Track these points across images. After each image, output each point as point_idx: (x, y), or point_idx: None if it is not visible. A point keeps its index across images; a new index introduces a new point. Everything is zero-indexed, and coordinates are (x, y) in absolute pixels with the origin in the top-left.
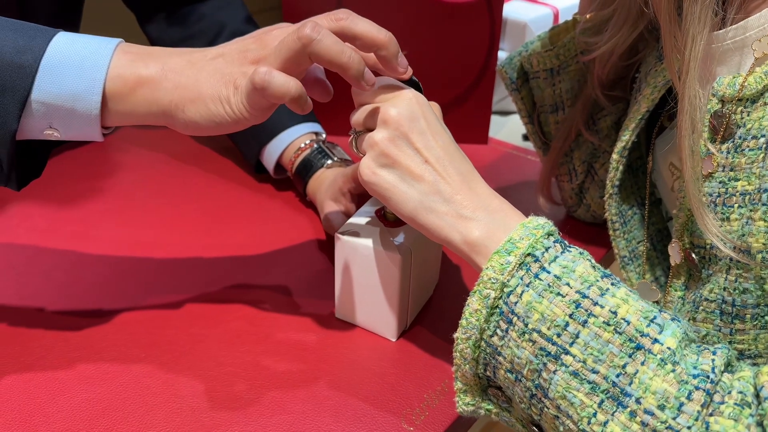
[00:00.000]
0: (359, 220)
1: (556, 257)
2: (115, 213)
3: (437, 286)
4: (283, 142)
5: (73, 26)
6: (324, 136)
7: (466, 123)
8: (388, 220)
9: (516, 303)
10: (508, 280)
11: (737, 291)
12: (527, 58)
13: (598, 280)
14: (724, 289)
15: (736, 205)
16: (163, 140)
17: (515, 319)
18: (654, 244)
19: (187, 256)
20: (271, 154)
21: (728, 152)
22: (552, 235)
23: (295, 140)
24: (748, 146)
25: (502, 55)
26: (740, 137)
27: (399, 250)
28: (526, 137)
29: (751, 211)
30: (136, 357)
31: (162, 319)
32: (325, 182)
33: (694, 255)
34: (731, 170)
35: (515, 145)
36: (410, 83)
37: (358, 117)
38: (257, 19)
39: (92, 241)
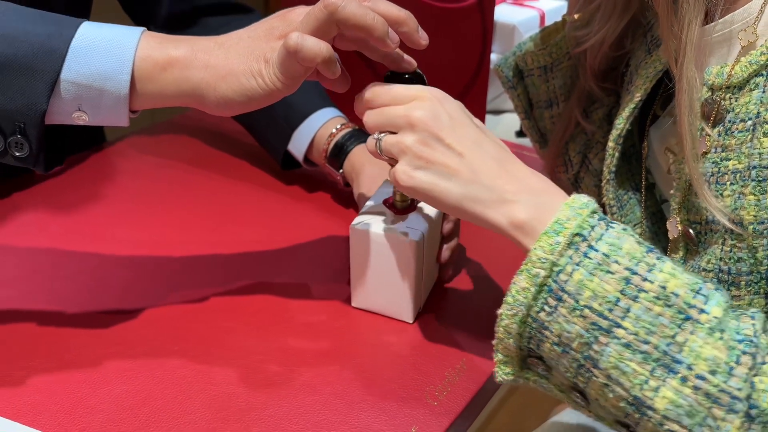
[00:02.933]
0: (370, 210)
1: (602, 235)
2: (130, 216)
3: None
4: (314, 123)
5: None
6: (351, 123)
7: None
8: (397, 208)
9: (566, 281)
10: (558, 260)
11: (732, 260)
12: (522, 57)
13: (644, 256)
14: (720, 259)
15: (728, 183)
16: (171, 145)
17: (565, 296)
18: (649, 225)
19: (205, 254)
20: (301, 138)
21: (719, 135)
22: (596, 213)
23: (326, 122)
24: (737, 128)
25: (493, 56)
26: (730, 121)
27: (413, 236)
28: (519, 134)
29: (742, 187)
30: (169, 350)
31: (188, 314)
32: (367, 166)
33: (691, 230)
34: (723, 151)
35: (510, 141)
36: (415, 76)
37: (375, 120)
38: None
39: (111, 244)
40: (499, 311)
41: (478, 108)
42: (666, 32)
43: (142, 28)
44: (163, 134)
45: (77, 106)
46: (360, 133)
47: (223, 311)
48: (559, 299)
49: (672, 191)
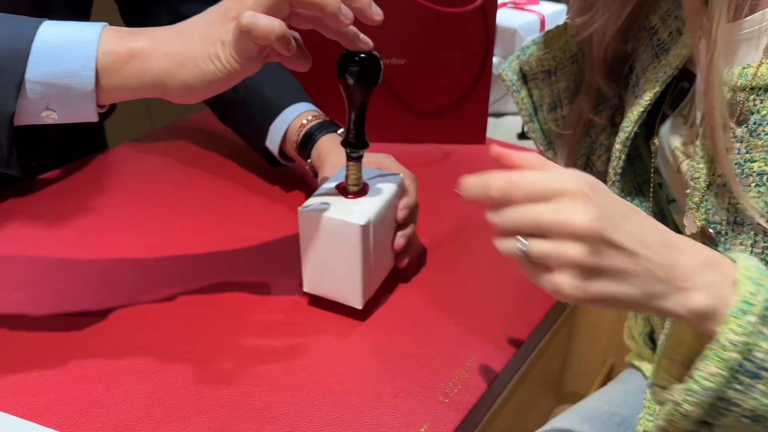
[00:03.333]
0: (322, 193)
1: None
2: (135, 219)
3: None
4: (288, 116)
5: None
6: (325, 116)
7: (465, 124)
8: (349, 192)
9: (764, 359)
10: (751, 339)
11: (765, 261)
12: (526, 61)
13: None
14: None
15: (753, 185)
16: (171, 149)
17: (764, 372)
18: None
19: (212, 254)
20: (276, 132)
21: (743, 136)
22: None
23: (298, 116)
24: (764, 131)
25: (494, 60)
26: (755, 123)
27: (358, 220)
28: (520, 136)
29: None
30: (181, 351)
31: (200, 314)
32: (332, 154)
33: (711, 230)
34: (747, 152)
35: (512, 143)
36: (371, 57)
37: (514, 224)
38: None
39: (117, 247)
40: (676, 397)
41: (480, 110)
42: (693, 26)
43: (103, 24)
44: (157, 141)
45: (45, 105)
46: (329, 124)
47: (233, 312)
48: (756, 376)
49: (688, 190)
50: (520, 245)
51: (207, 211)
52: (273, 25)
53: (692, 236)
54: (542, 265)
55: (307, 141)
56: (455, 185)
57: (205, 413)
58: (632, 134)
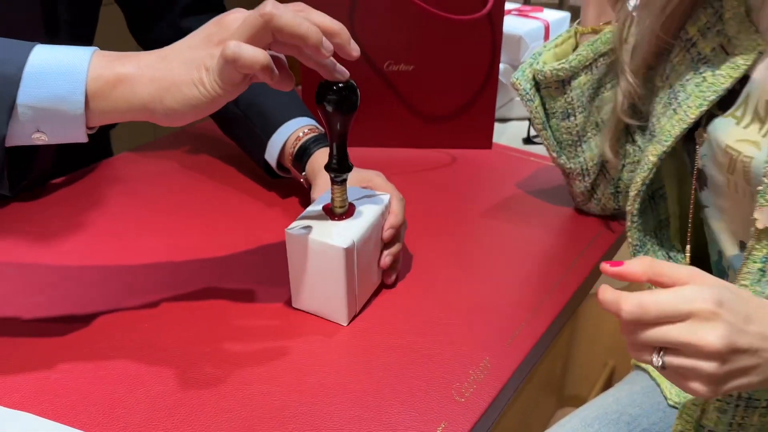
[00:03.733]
0: (309, 214)
1: None
2: (149, 222)
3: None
4: (286, 131)
5: (88, 42)
6: (321, 129)
7: (472, 130)
8: (335, 213)
9: None
10: None
11: None
12: (540, 71)
13: None
14: None
15: None
16: (171, 156)
17: None
18: (681, 223)
19: (234, 257)
20: (274, 145)
21: None
22: None
23: (296, 130)
24: None
25: (501, 66)
26: None
27: (342, 243)
28: (526, 141)
29: None
30: (201, 352)
31: (219, 315)
32: (321, 179)
33: None
34: None
35: (517, 148)
36: (348, 87)
37: (649, 341)
38: None
39: (129, 252)
40: None
41: (487, 116)
42: None
43: (93, 48)
44: (164, 147)
45: (35, 127)
46: (324, 137)
47: (250, 313)
48: None
49: (761, 187)
50: (656, 361)
51: (219, 214)
52: (257, 55)
53: (764, 230)
54: (678, 373)
55: (302, 154)
56: (462, 188)
57: (226, 413)
58: (670, 149)
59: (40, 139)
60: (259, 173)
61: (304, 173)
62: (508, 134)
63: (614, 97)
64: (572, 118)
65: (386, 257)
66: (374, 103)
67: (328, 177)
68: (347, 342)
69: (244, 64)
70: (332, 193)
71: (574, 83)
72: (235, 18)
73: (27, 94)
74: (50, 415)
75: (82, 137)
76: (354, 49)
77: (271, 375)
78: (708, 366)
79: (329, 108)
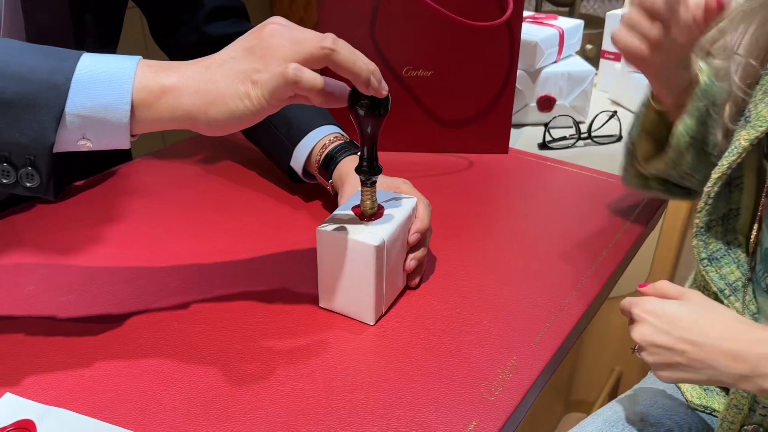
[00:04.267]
0: (339, 215)
1: None
2: (166, 226)
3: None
4: (312, 139)
5: (114, 45)
6: (347, 137)
7: (489, 135)
8: (365, 215)
9: None
10: None
11: None
12: (643, 167)
13: None
14: None
15: None
16: (194, 158)
17: None
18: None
19: (260, 258)
20: (300, 153)
21: None
22: None
23: (322, 138)
24: None
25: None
26: None
27: (373, 241)
28: (542, 146)
29: None
30: (233, 349)
31: (249, 313)
32: (351, 176)
33: None
34: None
35: (533, 153)
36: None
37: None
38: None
39: (155, 253)
40: None
41: (504, 121)
42: None
43: (137, 57)
44: (184, 150)
45: (81, 135)
46: (350, 145)
47: (282, 312)
48: None
49: None
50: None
51: (244, 215)
52: (316, 80)
53: None
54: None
55: (329, 162)
56: (480, 192)
57: (260, 410)
58: (763, 134)
59: (86, 145)
60: (282, 177)
61: (330, 181)
62: (523, 139)
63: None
64: (692, 179)
65: (411, 261)
66: (393, 107)
67: (355, 184)
68: (375, 341)
69: (304, 87)
70: (362, 195)
71: (685, 159)
72: (275, 30)
73: (75, 103)
74: (86, 412)
75: (125, 144)
76: (384, 88)
77: (302, 373)
78: (645, 355)
79: (361, 112)
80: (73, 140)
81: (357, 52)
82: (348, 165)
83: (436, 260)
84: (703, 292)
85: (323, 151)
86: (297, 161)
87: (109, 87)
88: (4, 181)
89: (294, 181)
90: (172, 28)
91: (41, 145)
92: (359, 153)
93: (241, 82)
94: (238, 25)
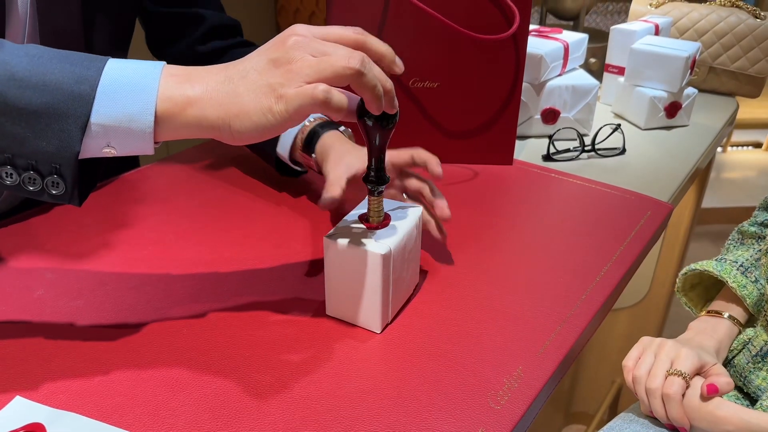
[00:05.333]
0: (345, 224)
1: None
2: (174, 232)
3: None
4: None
5: (123, 52)
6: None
7: (494, 146)
8: (371, 223)
9: None
10: None
11: None
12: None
13: None
14: None
15: None
16: (200, 166)
17: None
18: None
19: (267, 266)
20: (286, 139)
21: None
22: None
23: (307, 122)
24: None
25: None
26: None
27: (380, 249)
28: (546, 158)
29: None
30: (241, 356)
31: (254, 320)
32: (335, 147)
33: None
34: None
35: (537, 164)
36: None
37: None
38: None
39: (161, 259)
40: None
41: (509, 133)
42: None
43: (161, 64)
44: (190, 158)
45: (106, 143)
46: (331, 123)
47: (288, 320)
48: None
49: None
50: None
51: (251, 223)
52: (343, 102)
53: None
54: None
55: (311, 138)
56: (485, 202)
57: (268, 417)
58: None
59: (110, 152)
60: (288, 184)
61: (313, 155)
62: (528, 151)
63: None
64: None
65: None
66: (400, 118)
67: (338, 155)
68: (381, 349)
69: (332, 108)
70: (369, 204)
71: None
72: (299, 43)
73: (99, 113)
74: (96, 416)
75: (149, 150)
76: (398, 66)
77: (310, 380)
78: None
79: (369, 122)
80: (97, 148)
81: (381, 72)
82: (331, 138)
83: (440, 269)
84: (763, 310)
85: (305, 130)
86: (284, 146)
87: (133, 97)
88: (31, 188)
89: (282, 173)
90: (171, 42)
91: (67, 154)
92: (367, 163)
93: (265, 96)
94: (232, 40)
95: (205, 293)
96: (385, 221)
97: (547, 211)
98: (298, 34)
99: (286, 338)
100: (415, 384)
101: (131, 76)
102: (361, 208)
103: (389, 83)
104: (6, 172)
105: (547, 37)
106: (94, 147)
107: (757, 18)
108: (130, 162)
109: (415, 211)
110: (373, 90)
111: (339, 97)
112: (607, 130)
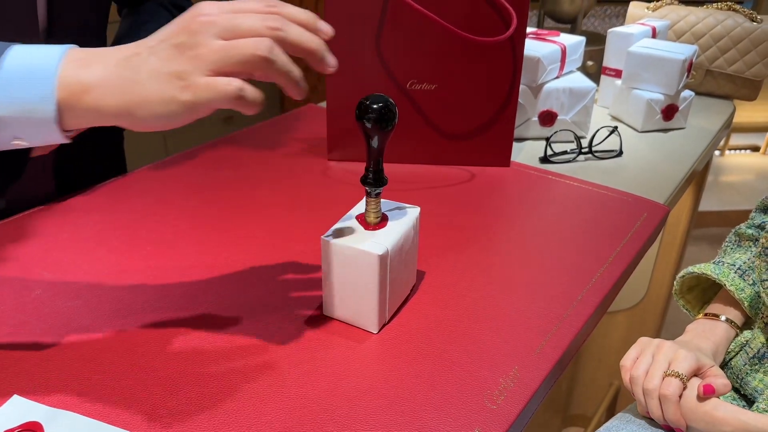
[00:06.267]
0: (343, 224)
1: None
2: (172, 233)
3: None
4: None
5: (100, 40)
6: None
7: (491, 147)
8: (369, 224)
9: None
10: None
11: None
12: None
13: None
14: None
15: None
16: (194, 170)
17: None
18: None
19: (263, 268)
20: None
21: None
22: None
23: None
24: None
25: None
26: None
27: (377, 250)
28: (543, 160)
29: None
30: (239, 356)
31: (253, 320)
32: None
33: None
34: None
35: (534, 166)
36: (387, 104)
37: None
38: None
39: (168, 259)
40: None
41: (506, 135)
42: None
43: (66, 48)
44: (179, 163)
45: (12, 135)
46: None
47: (286, 319)
48: None
49: None
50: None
51: (247, 225)
52: (257, 98)
53: None
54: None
55: None
56: (482, 204)
57: (264, 416)
58: None
59: (21, 144)
60: (286, 185)
61: None
62: (525, 153)
63: None
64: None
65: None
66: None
67: None
68: (378, 349)
69: (245, 104)
70: (367, 205)
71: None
72: (205, 25)
73: None
74: (93, 415)
75: (62, 140)
76: (324, 31)
77: (306, 380)
78: None
79: (368, 125)
80: (5, 140)
81: (287, 7)
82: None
83: (437, 270)
84: (760, 312)
85: None
86: None
87: (30, 85)
88: None
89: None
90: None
91: None
92: (366, 165)
93: (168, 84)
94: None
95: (202, 293)
96: (382, 222)
97: (544, 212)
98: (205, 14)
99: (283, 338)
100: (411, 384)
101: (31, 63)
102: (359, 209)
103: (297, 71)
104: None
105: (544, 39)
106: (1, 140)
107: (753, 21)
108: (117, 167)
109: (413, 212)
110: (287, 75)
111: (254, 94)
112: (604, 132)
